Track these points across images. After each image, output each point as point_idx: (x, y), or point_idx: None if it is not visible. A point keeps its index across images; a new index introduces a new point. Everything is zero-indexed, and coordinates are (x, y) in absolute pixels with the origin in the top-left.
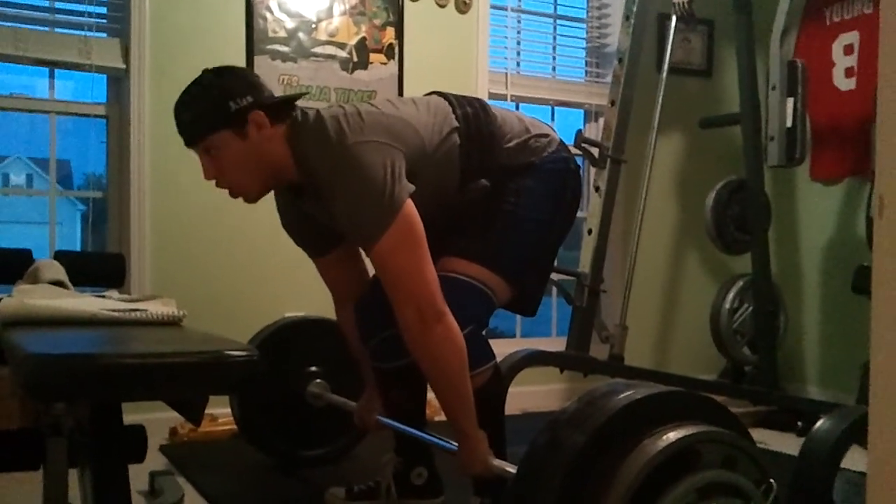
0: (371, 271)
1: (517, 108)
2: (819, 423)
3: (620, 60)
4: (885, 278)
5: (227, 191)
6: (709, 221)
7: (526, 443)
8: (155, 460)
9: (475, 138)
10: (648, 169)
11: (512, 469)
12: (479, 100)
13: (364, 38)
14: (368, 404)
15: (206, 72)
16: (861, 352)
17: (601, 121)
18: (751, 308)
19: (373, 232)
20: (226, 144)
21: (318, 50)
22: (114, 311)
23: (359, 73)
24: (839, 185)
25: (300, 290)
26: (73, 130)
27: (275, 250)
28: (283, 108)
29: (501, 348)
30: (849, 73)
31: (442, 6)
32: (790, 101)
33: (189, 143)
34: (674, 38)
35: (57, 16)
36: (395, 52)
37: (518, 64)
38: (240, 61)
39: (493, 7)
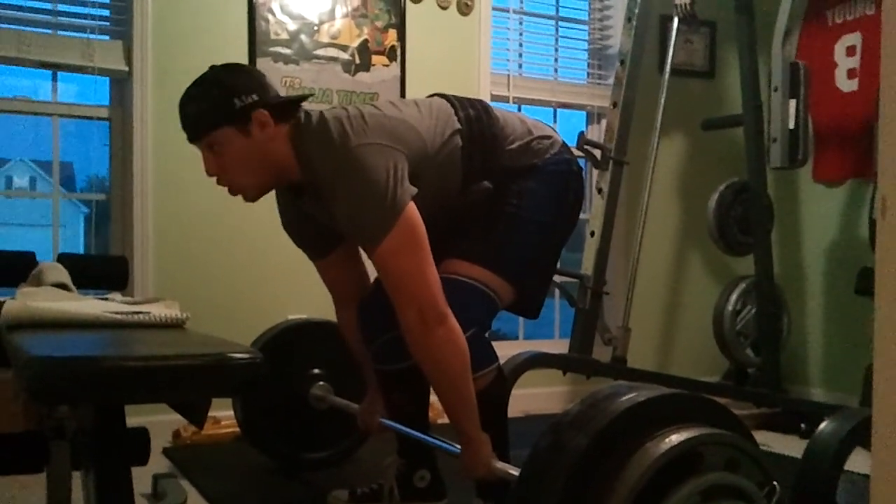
0: (372, 273)
1: (519, 109)
2: (823, 426)
3: (622, 62)
4: (888, 280)
5: (226, 189)
6: (711, 223)
7: (529, 445)
8: (158, 463)
9: (477, 140)
10: (651, 171)
11: (515, 472)
12: (481, 102)
13: (366, 41)
14: (371, 407)
15: (213, 67)
16: (864, 353)
17: (603, 122)
18: (754, 310)
19: (375, 234)
20: (228, 141)
21: (321, 52)
22: (117, 313)
23: (361, 76)
24: (842, 186)
25: (303, 292)
26: (75, 133)
27: (277, 253)
28: (287, 108)
29: (504, 350)
30: (851, 74)
31: (444, 8)
32: (792, 103)
33: (192, 138)
34: (676, 40)
35: (60, 18)
36: (397, 54)
37: (520, 66)
38: None
39: (495, 9)
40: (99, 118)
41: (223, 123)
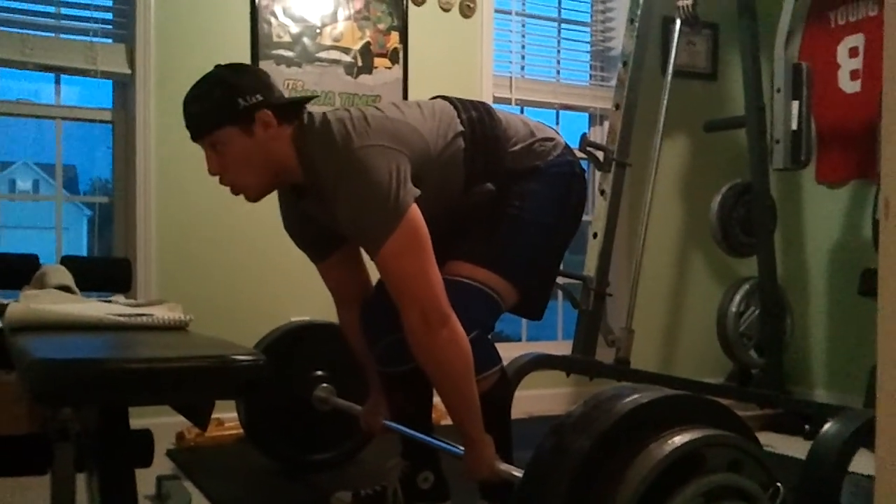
0: (374, 275)
1: (522, 111)
2: (826, 427)
3: (625, 64)
4: (892, 281)
5: (228, 189)
6: (714, 224)
7: (532, 447)
8: (162, 465)
9: (480, 142)
10: (653, 172)
11: (518, 473)
12: (483, 104)
13: (368, 43)
14: (374, 408)
15: (218, 67)
16: (868, 355)
17: (606, 124)
18: (757, 311)
19: (378, 236)
20: (231, 141)
21: (323, 55)
22: (120, 315)
23: (363, 78)
24: (845, 187)
25: (306, 294)
26: (79, 136)
27: (280, 255)
28: (291, 109)
29: (507, 352)
30: (854, 75)
31: (446, 10)
32: (795, 104)
33: (195, 136)
34: (678, 42)
35: (63, 22)
36: (399, 56)
37: (522, 68)
38: None
39: (498, 11)
40: (102, 121)
41: (227, 123)
